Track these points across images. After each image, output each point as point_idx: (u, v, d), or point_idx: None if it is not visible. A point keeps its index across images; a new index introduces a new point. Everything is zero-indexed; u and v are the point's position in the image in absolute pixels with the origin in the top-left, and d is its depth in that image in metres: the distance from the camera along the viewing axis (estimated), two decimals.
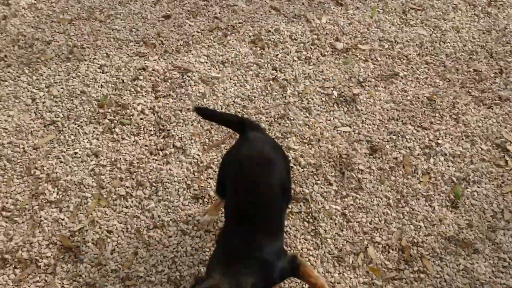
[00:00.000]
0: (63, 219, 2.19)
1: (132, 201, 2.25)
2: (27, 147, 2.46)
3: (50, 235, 2.13)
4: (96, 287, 1.97)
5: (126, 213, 2.21)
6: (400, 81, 2.80)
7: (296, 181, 2.31)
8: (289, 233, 2.13)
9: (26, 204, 2.23)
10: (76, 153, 2.43)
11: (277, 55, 2.92)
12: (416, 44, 3.02)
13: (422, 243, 2.13)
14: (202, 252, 2.07)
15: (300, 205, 2.23)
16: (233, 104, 2.64)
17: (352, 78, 2.80)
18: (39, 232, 2.14)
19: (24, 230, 2.15)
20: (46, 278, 2.00)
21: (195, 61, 2.86)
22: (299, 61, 2.88)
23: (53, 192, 2.28)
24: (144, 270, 2.02)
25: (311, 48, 2.96)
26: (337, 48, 2.97)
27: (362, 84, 2.76)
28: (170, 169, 2.36)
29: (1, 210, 2.21)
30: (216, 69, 2.82)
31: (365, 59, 2.92)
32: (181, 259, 2.05)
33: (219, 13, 3.19)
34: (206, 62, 2.86)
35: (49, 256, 2.06)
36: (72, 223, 2.17)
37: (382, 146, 2.46)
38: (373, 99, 2.70)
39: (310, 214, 2.20)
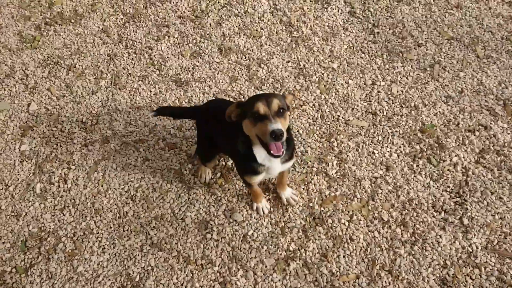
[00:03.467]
0: (325, 188, 2.29)
1: (387, 232, 2.15)
2: (342, 117, 2.60)
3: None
4: None
5: (373, 236, 2.14)
6: None
7: None
8: None
9: (310, 160, 2.42)
10: (373, 152, 2.44)
11: None
12: None
13: None
14: None
15: None
16: None
17: None
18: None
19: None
20: None
21: None
22: None
23: (335, 168, 2.38)
24: None
25: None
26: None
27: None
28: (439, 236, 2.13)
29: None
30: None
31: None
32: None
33: None
34: None
35: None
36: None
37: None
38: None
39: None
